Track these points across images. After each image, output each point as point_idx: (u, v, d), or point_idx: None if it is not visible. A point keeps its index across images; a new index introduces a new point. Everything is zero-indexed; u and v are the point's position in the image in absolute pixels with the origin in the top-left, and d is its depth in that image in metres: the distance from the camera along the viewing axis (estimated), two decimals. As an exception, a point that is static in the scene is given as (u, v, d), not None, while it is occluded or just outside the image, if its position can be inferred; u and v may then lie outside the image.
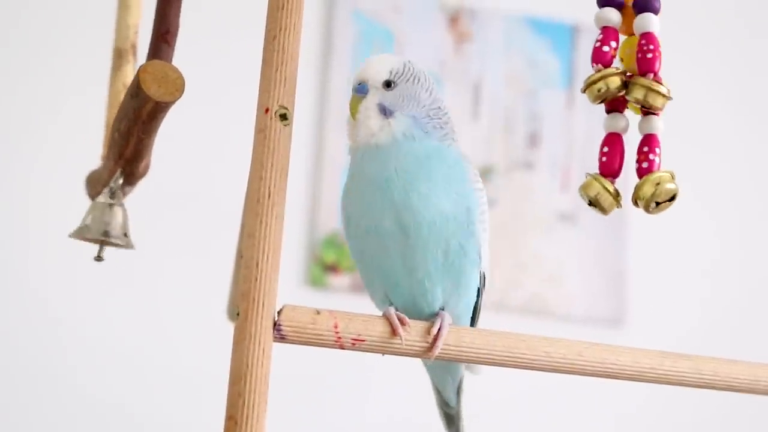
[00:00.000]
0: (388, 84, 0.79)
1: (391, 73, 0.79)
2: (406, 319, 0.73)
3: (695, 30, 2.14)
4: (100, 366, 1.78)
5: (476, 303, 0.82)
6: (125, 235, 0.95)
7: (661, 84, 0.69)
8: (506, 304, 2.00)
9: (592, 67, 0.71)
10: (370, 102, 0.78)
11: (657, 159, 0.70)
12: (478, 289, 0.81)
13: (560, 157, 2.10)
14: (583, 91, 0.71)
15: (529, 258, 2.05)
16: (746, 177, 2.18)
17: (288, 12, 0.72)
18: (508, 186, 2.07)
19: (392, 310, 0.73)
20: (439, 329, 0.73)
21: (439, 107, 0.80)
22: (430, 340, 0.73)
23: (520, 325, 1.90)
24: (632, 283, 2.08)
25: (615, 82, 0.69)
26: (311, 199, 1.95)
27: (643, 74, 0.70)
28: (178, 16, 0.88)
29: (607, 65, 0.71)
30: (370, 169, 0.78)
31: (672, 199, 0.69)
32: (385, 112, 0.78)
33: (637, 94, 0.69)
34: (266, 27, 0.73)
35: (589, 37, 2.14)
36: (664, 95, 0.69)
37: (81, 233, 0.96)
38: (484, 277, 0.82)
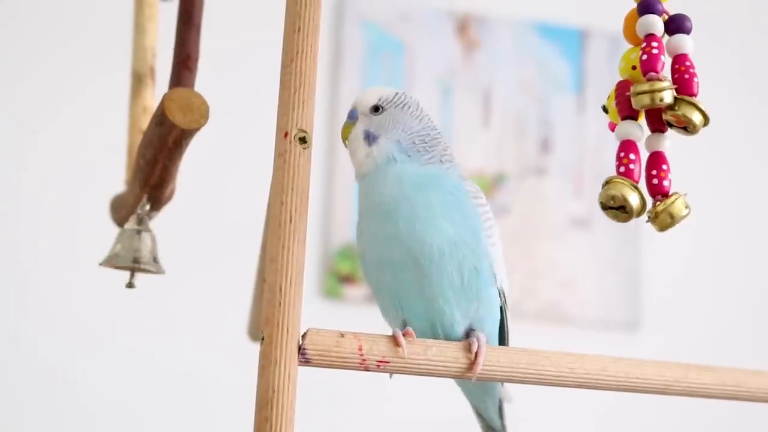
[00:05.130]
0: (375, 108, 0.81)
1: (380, 99, 0.81)
2: (411, 330, 0.74)
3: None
4: (122, 387, 1.78)
5: (502, 322, 0.82)
6: (155, 260, 0.96)
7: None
8: (522, 311, 1.99)
9: (645, 75, 0.70)
10: (358, 129, 0.81)
11: (671, 178, 0.70)
12: (501, 308, 0.81)
13: (572, 163, 2.10)
14: (634, 96, 0.70)
15: (543, 264, 2.05)
16: (763, 177, 2.18)
17: (304, 35, 0.73)
18: (521, 192, 2.06)
19: (399, 330, 0.73)
20: (479, 347, 0.73)
21: (428, 134, 0.81)
22: (472, 357, 0.73)
23: (537, 332, 1.90)
24: (647, 287, 2.07)
25: (669, 96, 0.69)
26: (325, 209, 1.95)
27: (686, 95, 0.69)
28: (198, 42, 0.89)
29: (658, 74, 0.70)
30: (369, 200, 0.79)
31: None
32: (369, 138, 0.80)
33: (684, 111, 0.69)
34: (283, 50, 0.73)
35: (598, 42, 2.13)
36: (705, 118, 0.69)
37: (111, 261, 0.96)
38: (504, 295, 0.81)
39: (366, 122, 0.81)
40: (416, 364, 0.72)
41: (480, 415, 0.90)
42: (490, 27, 2.11)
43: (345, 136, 0.82)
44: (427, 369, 0.73)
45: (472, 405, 0.89)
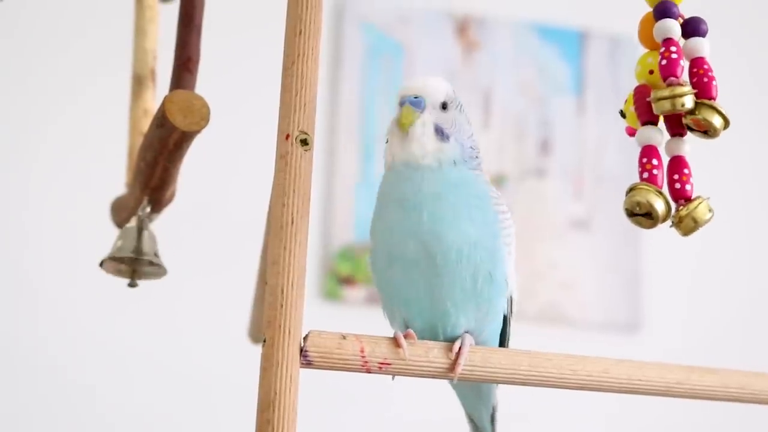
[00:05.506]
0: (444, 106, 0.78)
1: (447, 96, 0.79)
2: (412, 332, 0.74)
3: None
4: (124, 388, 1.78)
5: (504, 329, 0.82)
6: (156, 262, 0.95)
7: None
8: (522, 313, 1.98)
9: (665, 80, 0.69)
10: (428, 119, 0.77)
11: (692, 182, 0.70)
12: (505, 317, 0.81)
13: (572, 164, 2.10)
14: (655, 102, 0.69)
15: (543, 266, 2.05)
16: (765, 178, 2.17)
17: (306, 38, 0.73)
18: (521, 194, 2.06)
19: (399, 332, 0.73)
20: (461, 348, 0.73)
21: (475, 140, 0.81)
22: (452, 357, 0.73)
23: (537, 333, 1.90)
24: (648, 288, 2.07)
25: (690, 101, 0.69)
26: (325, 211, 1.95)
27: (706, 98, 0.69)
28: (198, 44, 0.89)
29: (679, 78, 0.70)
30: (403, 189, 0.77)
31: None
32: (442, 134, 0.77)
33: (705, 115, 0.69)
34: (284, 53, 0.73)
35: (598, 44, 2.13)
36: (726, 121, 0.69)
37: (114, 255, 0.96)
38: (512, 303, 0.81)
39: (435, 116, 0.78)
40: (418, 365, 0.72)
41: (473, 422, 0.89)
42: (490, 28, 2.11)
43: (409, 122, 0.76)
44: (429, 371, 0.73)
45: (465, 411, 0.89)
